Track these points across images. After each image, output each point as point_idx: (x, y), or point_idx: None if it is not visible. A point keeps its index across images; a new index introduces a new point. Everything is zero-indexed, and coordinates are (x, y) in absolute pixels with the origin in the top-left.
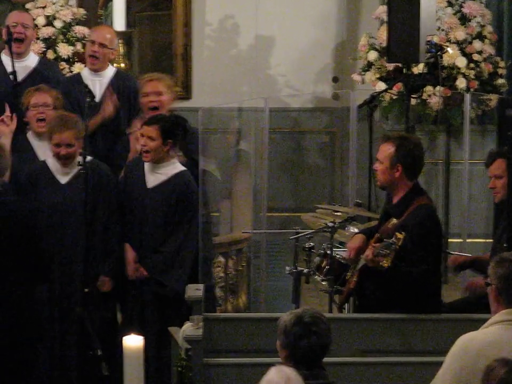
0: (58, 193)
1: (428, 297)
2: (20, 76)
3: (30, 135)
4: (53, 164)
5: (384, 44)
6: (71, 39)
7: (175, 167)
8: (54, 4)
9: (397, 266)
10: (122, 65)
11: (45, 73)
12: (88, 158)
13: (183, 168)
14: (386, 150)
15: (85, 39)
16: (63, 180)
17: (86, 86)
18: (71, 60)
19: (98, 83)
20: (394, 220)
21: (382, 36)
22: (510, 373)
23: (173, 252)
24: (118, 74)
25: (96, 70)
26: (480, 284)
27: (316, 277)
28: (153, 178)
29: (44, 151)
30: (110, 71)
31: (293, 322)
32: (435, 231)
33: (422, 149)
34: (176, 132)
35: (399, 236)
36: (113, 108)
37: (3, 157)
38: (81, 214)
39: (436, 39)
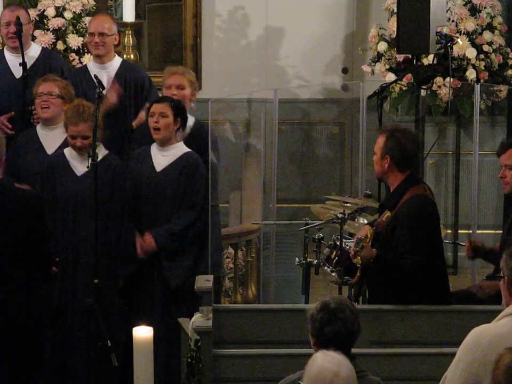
0: (73, 185)
1: (433, 289)
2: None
3: (38, 127)
4: (70, 155)
5: (394, 35)
6: (81, 30)
7: (181, 149)
8: None
9: (384, 260)
10: (132, 56)
11: (48, 63)
12: (104, 151)
13: (189, 149)
14: (379, 142)
15: None
16: (79, 172)
17: (96, 77)
18: (81, 51)
19: (105, 75)
20: (389, 212)
21: (392, 26)
22: None
23: (182, 229)
24: (124, 65)
25: (102, 60)
26: (489, 285)
27: (326, 268)
28: (161, 162)
29: (50, 142)
30: (116, 62)
31: (319, 308)
32: (427, 220)
33: (414, 140)
34: (184, 111)
35: (369, 232)
36: (116, 96)
37: None
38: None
39: (445, 30)
